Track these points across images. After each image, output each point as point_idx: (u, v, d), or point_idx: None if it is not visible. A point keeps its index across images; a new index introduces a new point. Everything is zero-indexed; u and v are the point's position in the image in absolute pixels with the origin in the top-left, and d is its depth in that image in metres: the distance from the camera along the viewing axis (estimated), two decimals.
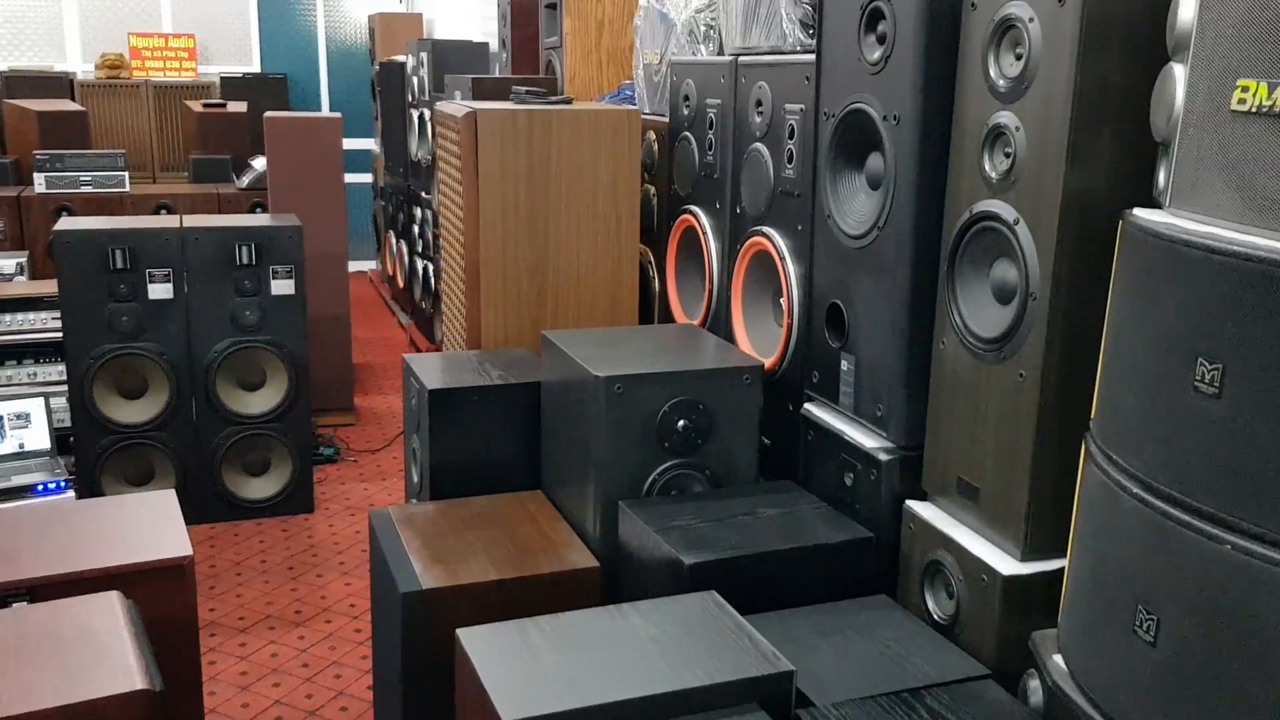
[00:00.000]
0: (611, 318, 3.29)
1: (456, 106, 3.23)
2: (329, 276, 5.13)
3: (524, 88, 3.29)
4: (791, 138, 2.64)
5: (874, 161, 2.31)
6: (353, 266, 8.57)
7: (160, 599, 1.90)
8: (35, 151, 5.92)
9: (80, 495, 3.94)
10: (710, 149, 3.08)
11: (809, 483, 2.52)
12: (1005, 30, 1.92)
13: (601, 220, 3.24)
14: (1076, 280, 1.85)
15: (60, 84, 7.22)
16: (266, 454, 4.25)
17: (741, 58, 2.91)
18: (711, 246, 3.09)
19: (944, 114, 2.09)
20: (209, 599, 3.62)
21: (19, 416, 4.13)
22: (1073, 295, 1.85)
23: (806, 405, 2.56)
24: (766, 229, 2.77)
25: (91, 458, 4.00)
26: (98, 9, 8.25)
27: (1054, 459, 1.91)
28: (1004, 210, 1.93)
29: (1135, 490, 1.52)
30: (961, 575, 2.04)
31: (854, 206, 2.37)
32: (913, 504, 2.21)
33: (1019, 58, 1.90)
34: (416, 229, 6.43)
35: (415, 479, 2.89)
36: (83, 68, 8.06)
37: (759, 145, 2.80)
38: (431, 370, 2.82)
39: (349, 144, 8.43)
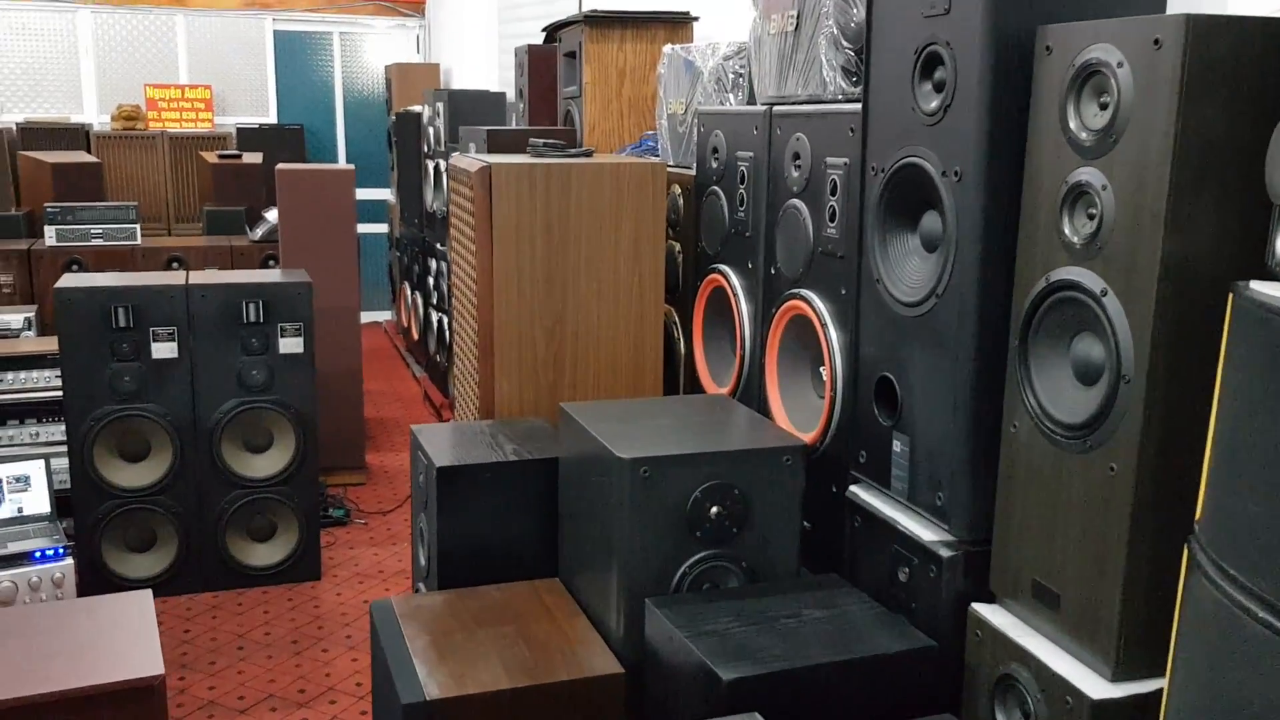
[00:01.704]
0: (634, 384, 3.08)
1: (470, 160, 3.05)
2: (340, 330, 4.96)
3: (542, 140, 3.11)
4: (834, 194, 2.43)
5: (930, 221, 2.09)
6: (368, 317, 8.46)
7: None
8: (46, 204, 5.80)
9: (79, 562, 3.78)
10: (741, 205, 2.88)
11: (856, 575, 2.27)
12: (1088, 77, 1.71)
13: (623, 280, 3.05)
14: (1177, 360, 1.61)
15: (76, 135, 7.13)
16: (272, 519, 4.07)
17: (776, 107, 2.72)
18: (743, 309, 2.88)
19: (1013, 170, 1.88)
20: (209, 676, 3.41)
21: (18, 479, 3.97)
22: (1172, 378, 1.62)
23: (852, 488, 2.32)
24: (805, 292, 2.56)
25: (91, 523, 3.83)
26: (115, 60, 8.20)
27: (1151, 565, 1.67)
28: (1088, 279, 1.70)
29: (1262, 615, 1.27)
30: (1040, 694, 1.79)
31: (907, 270, 2.15)
32: (979, 608, 1.96)
33: (1104, 107, 1.68)
34: (431, 281, 6.28)
35: (422, 561, 2.66)
36: (99, 119, 7.99)
37: (796, 201, 2.60)
38: (440, 444, 2.60)
39: (366, 194, 8.36)
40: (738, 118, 2.90)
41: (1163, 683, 1.52)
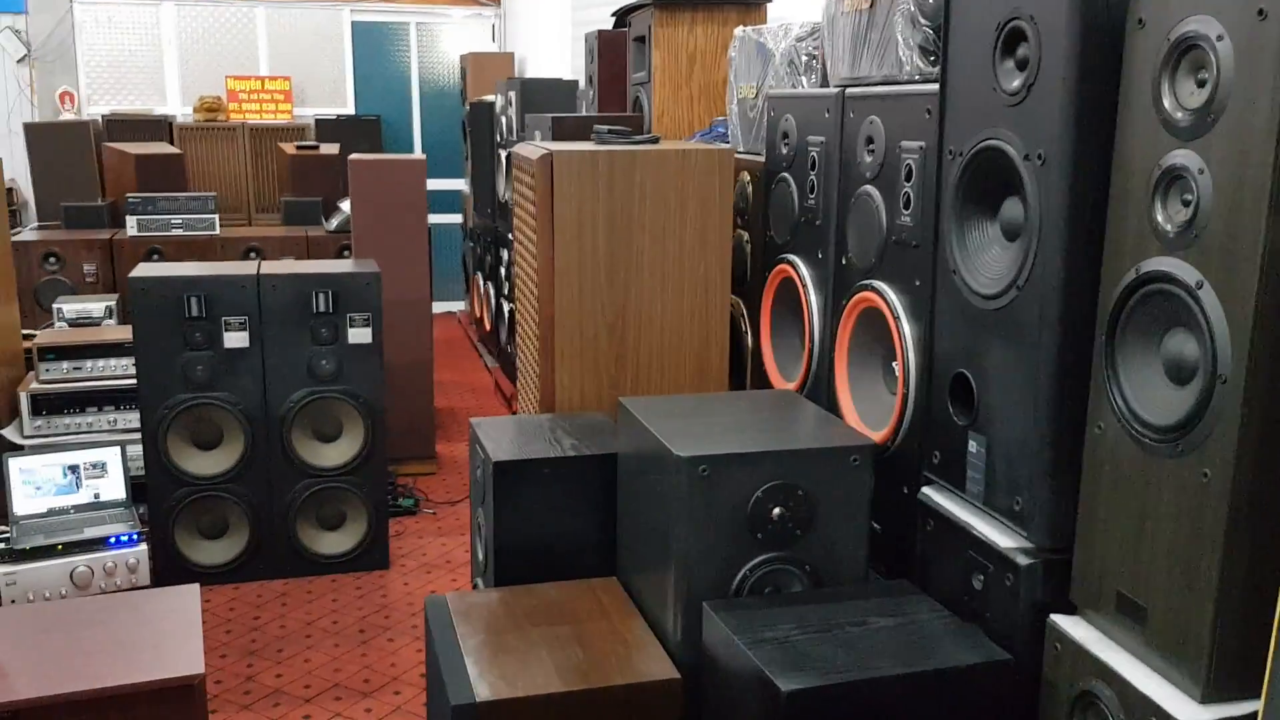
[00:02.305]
0: (699, 379, 2.99)
1: (532, 148, 2.99)
2: (412, 321, 4.96)
3: (606, 126, 3.03)
4: (908, 179, 2.32)
5: (1011, 208, 1.97)
6: (443, 307, 8.50)
7: None
8: (128, 194, 5.90)
9: (153, 549, 3.82)
10: (812, 191, 2.77)
11: (926, 581, 2.16)
12: (1184, 51, 1.57)
13: (689, 271, 2.96)
14: (1278, 358, 1.48)
15: (159, 127, 7.27)
16: (341, 508, 4.07)
17: (849, 89, 2.61)
18: (812, 301, 2.77)
19: (1101, 153, 1.75)
20: (276, 664, 3.42)
21: (95, 465, 4.04)
22: (1273, 377, 1.48)
23: (925, 490, 2.21)
24: (877, 283, 2.46)
25: (165, 509, 3.87)
26: (197, 53, 8.35)
27: (1246, 578, 1.54)
28: (1182, 270, 1.58)
29: None
30: (1123, 714, 1.67)
31: (986, 260, 2.03)
32: (1059, 619, 1.84)
33: (1202, 84, 1.55)
34: (503, 271, 6.26)
35: (480, 556, 2.62)
36: (182, 111, 8.14)
37: (869, 188, 2.49)
38: (498, 437, 2.55)
39: (441, 184, 8.38)
40: (809, 101, 2.79)
41: (1257, 705, 1.40)
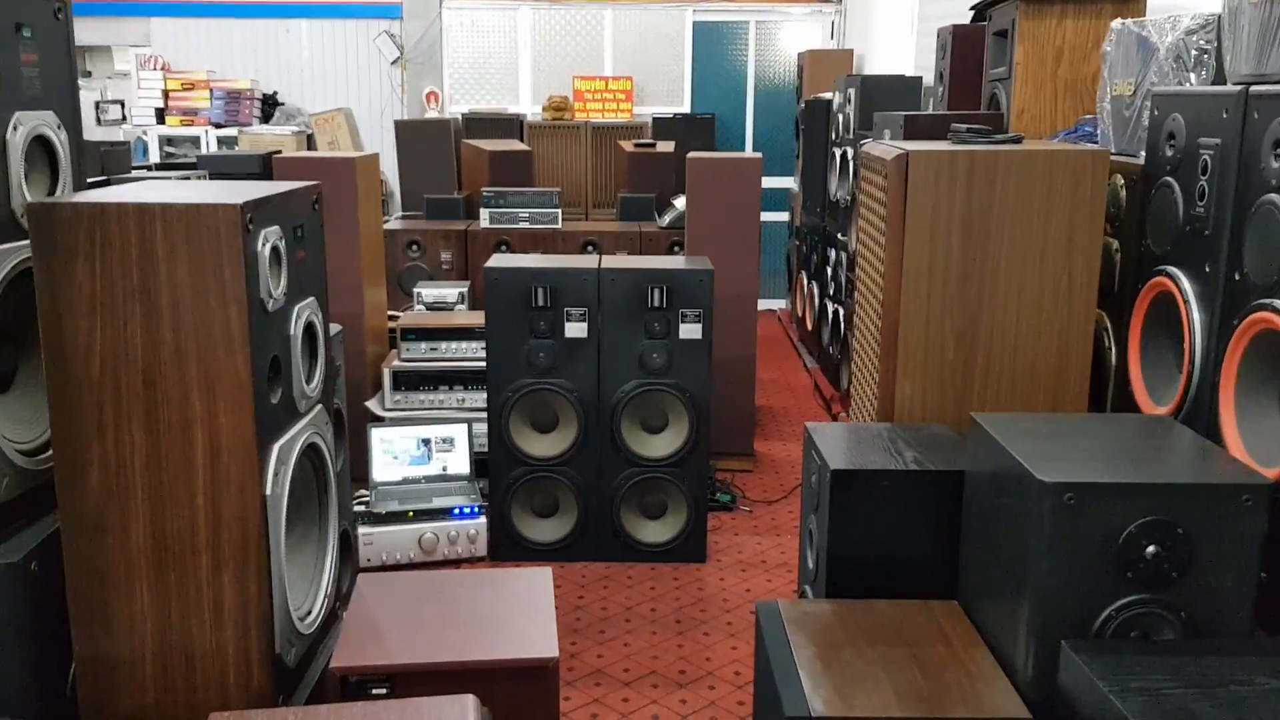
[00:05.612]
0: (1054, 397, 2.78)
1: (885, 148, 2.89)
2: (738, 317, 4.98)
3: (965, 125, 2.88)
4: None
5: None
6: (763, 305, 8.52)
7: (519, 700, 1.71)
8: (482, 188, 6.33)
9: (491, 522, 4.05)
10: (1201, 198, 2.51)
11: None
12: None
13: (1049, 280, 2.76)
14: None
15: (511, 125, 7.74)
16: (663, 498, 4.16)
17: (1254, 87, 2.33)
18: (1195, 318, 2.50)
19: None
20: (598, 644, 3.54)
21: (445, 441, 4.36)
22: None
23: None
24: None
25: (503, 486, 4.09)
26: (548, 54, 8.85)
27: None
28: None
29: None
30: None
31: None
32: None
33: None
34: (829, 271, 6.17)
35: (810, 564, 2.57)
36: (532, 110, 8.64)
37: (1276, 197, 2.21)
38: (835, 445, 2.49)
39: (769, 182, 8.39)
40: (1202, 99, 2.52)
41: None
